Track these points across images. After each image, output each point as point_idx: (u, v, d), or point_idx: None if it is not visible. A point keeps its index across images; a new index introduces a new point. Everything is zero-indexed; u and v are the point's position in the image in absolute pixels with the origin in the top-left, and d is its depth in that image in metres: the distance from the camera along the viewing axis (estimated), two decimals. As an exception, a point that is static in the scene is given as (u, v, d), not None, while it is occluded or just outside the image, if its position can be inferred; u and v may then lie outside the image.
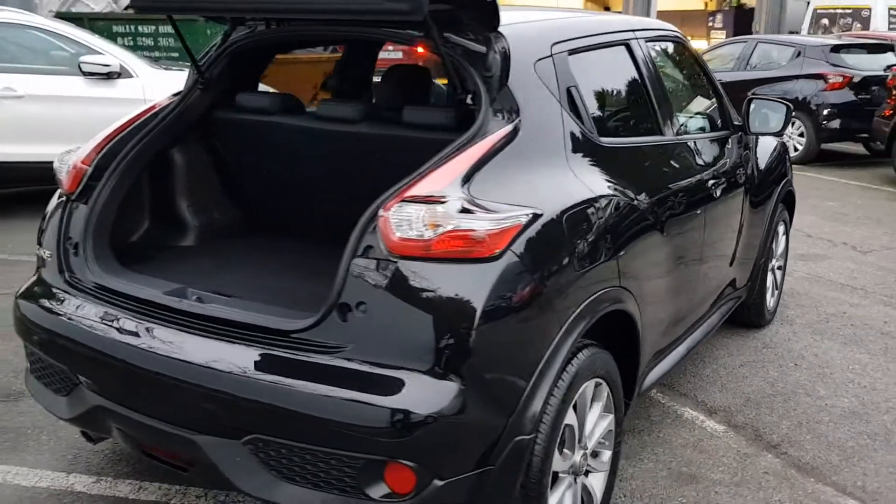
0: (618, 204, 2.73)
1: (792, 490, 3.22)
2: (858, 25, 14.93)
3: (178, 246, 3.22)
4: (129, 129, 2.99)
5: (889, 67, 10.31)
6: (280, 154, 3.21)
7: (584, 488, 2.69)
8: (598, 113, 3.02)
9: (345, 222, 3.11)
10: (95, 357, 2.48)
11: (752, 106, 4.06)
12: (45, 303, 2.72)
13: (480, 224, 2.18)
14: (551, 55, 2.78)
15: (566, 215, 2.44)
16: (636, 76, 3.33)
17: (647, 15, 19.95)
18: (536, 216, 2.30)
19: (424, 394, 2.13)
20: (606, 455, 2.81)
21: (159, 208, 3.15)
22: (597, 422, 2.70)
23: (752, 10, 23.06)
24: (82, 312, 2.60)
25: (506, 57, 2.61)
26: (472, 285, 2.18)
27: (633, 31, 3.42)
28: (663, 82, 3.50)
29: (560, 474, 2.54)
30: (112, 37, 10.31)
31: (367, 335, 2.19)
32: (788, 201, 4.90)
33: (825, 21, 16.14)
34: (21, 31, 7.25)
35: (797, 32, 18.07)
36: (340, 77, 4.08)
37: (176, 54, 11.46)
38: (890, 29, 13.13)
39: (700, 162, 3.62)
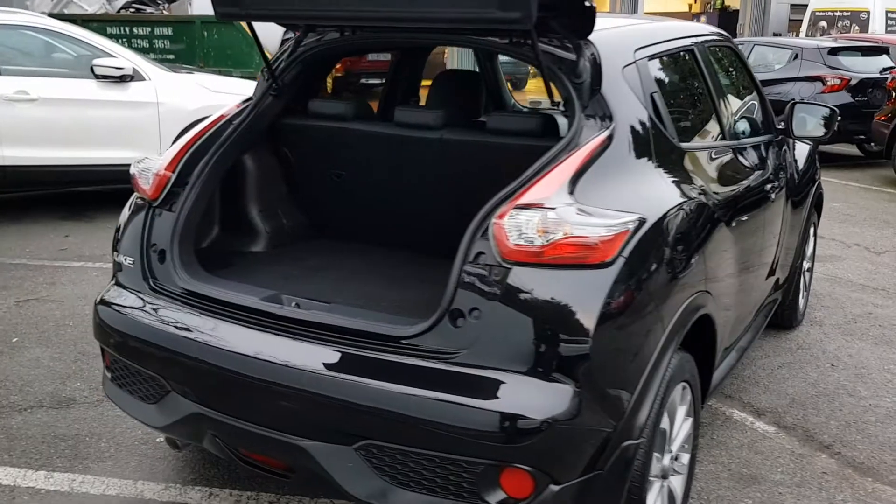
0: (701, 207, 2.77)
1: (853, 490, 3.28)
2: (857, 28, 15.17)
3: (252, 252, 3.22)
4: (205, 136, 2.99)
5: (885, 70, 10.49)
6: (353, 160, 3.22)
7: (669, 491, 2.73)
8: (676, 117, 3.07)
9: (423, 227, 3.16)
10: (194, 364, 2.48)
11: (796, 109, 4.12)
12: (131, 309, 2.71)
13: (593, 230, 2.21)
14: (635, 61, 2.83)
15: (666, 220, 2.48)
16: (701, 81, 3.39)
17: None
18: (642, 221, 2.34)
19: (541, 398, 2.15)
20: (686, 458, 2.86)
21: (231, 214, 3.16)
22: (681, 425, 2.75)
23: (736, 11, 23.33)
24: (174, 319, 2.59)
25: (595, 63, 2.64)
26: (587, 291, 2.21)
27: (696, 35, 3.48)
28: (722, 86, 3.56)
29: (651, 478, 2.57)
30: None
31: (481, 341, 2.21)
32: (818, 203, 4.99)
33: (823, 23, 16.36)
34: (32, 34, 7.18)
35: (780, 34, 18.29)
36: (392, 83, 4.09)
37: (172, 56, 11.40)
38: (888, 31, 13.32)
39: (757, 165, 3.69)
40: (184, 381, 2.56)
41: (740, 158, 3.53)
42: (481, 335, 2.22)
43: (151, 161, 2.94)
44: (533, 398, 2.15)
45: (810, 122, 4.13)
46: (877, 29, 14.90)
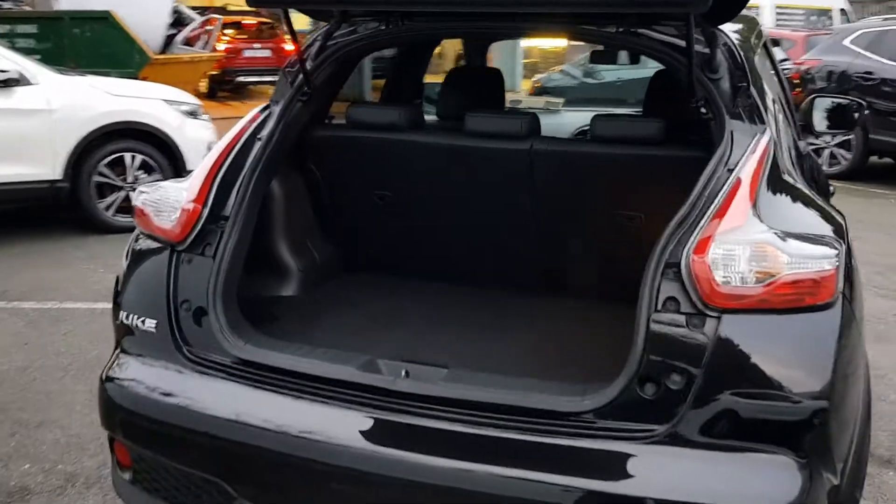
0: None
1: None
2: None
3: (285, 297, 2.59)
4: (230, 157, 2.34)
5: (781, 62, 10.70)
6: (404, 178, 2.65)
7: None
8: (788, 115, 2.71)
9: (501, 257, 2.64)
10: (281, 463, 1.87)
11: (816, 103, 3.85)
12: (164, 389, 2.06)
13: (817, 264, 1.78)
14: (756, 52, 2.44)
15: (849, 243, 2.09)
16: (776, 75, 3.05)
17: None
18: (842, 247, 1.93)
19: (782, 482, 1.70)
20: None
21: (257, 251, 2.52)
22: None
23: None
24: (239, 401, 1.97)
25: (733, 55, 2.23)
26: (817, 339, 1.78)
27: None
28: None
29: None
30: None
31: (688, 413, 1.74)
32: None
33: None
34: None
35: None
36: (394, 81, 3.50)
37: (38, 57, 10.12)
38: (777, 26, 13.73)
39: (812, 163, 3.40)
40: (264, 489, 1.93)
41: (810, 155, 3.23)
42: (687, 406, 1.74)
43: (167, 190, 2.27)
44: (772, 484, 1.70)
45: (831, 117, 3.87)
46: (766, 24, 15.36)
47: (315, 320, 2.43)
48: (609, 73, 10.79)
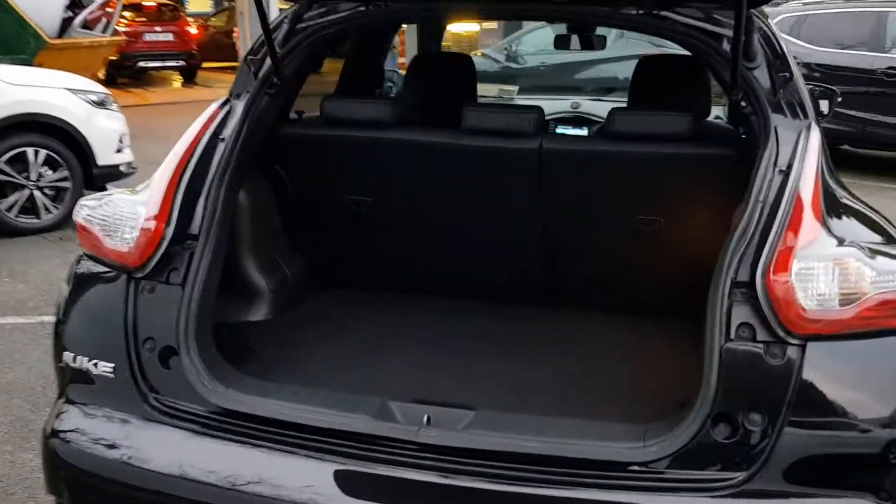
0: None
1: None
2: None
3: (256, 322, 2.24)
4: (193, 164, 1.97)
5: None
6: (388, 182, 2.33)
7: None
8: None
9: (501, 268, 2.35)
10: None
11: None
12: (128, 447, 1.70)
13: None
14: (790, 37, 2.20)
15: None
16: None
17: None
18: None
19: None
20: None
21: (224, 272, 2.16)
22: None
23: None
24: (222, 461, 1.63)
25: (771, 41, 2.00)
26: None
27: None
28: None
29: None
30: None
31: (774, 457, 1.50)
32: None
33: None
34: None
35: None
36: (352, 67, 3.14)
37: None
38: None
39: None
40: None
41: None
42: (768, 449, 1.51)
43: (118, 204, 1.89)
44: None
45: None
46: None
47: (299, 350, 2.09)
48: (532, 58, 10.58)
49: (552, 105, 4.44)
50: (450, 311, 2.32)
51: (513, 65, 11.69)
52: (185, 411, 1.70)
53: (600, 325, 2.23)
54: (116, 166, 5.88)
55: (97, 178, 5.73)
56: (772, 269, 1.54)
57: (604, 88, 4.96)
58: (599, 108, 4.39)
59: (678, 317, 2.29)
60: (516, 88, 4.97)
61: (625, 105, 4.01)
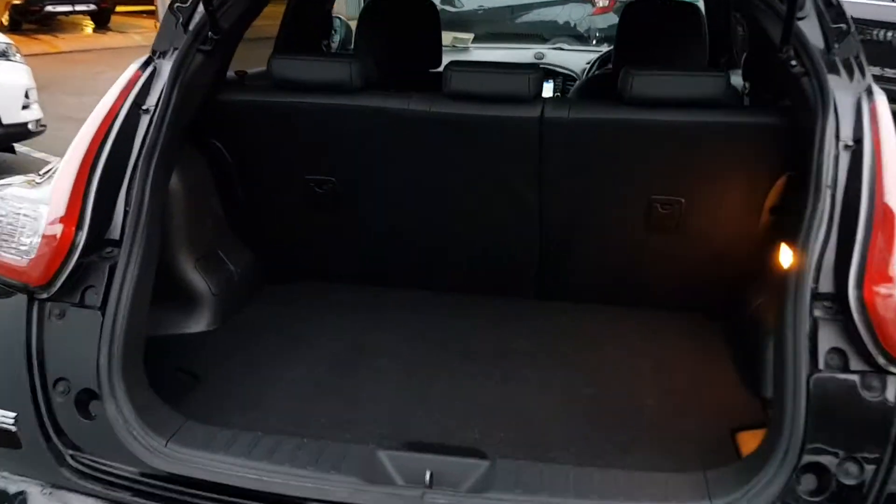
0: None
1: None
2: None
3: (197, 334, 1.83)
4: (108, 141, 1.53)
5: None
6: (355, 158, 1.92)
7: None
8: None
9: (489, 256, 1.98)
10: None
11: None
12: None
13: None
14: None
15: None
16: None
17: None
18: None
19: None
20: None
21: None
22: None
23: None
24: None
25: None
26: None
27: None
28: None
29: None
30: None
31: None
32: None
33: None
34: None
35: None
36: (295, 19, 2.68)
37: None
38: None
39: None
40: None
41: None
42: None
43: (10, 200, 1.45)
44: None
45: None
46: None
47: (253, 374, 1.70)
48: (469, 1, 10.08)
49: (511, 56, 4.04)
50: (432, 314, 1.95)
51: (448, 8, 11.16)
52: (115, 475, 1.31)
53: (610, 329, 1.90)
54: (24, 125, 5.26)
55: (2, 138, 5.15)
56: (869, 278, 1.22)
57: (568, 36, 4.55)
58: (567, 59, 4.01)
59: (699, 314, 1.97)
60: (471, 37, 4.55)
61: (597, 56, 3.68)
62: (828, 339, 1.23)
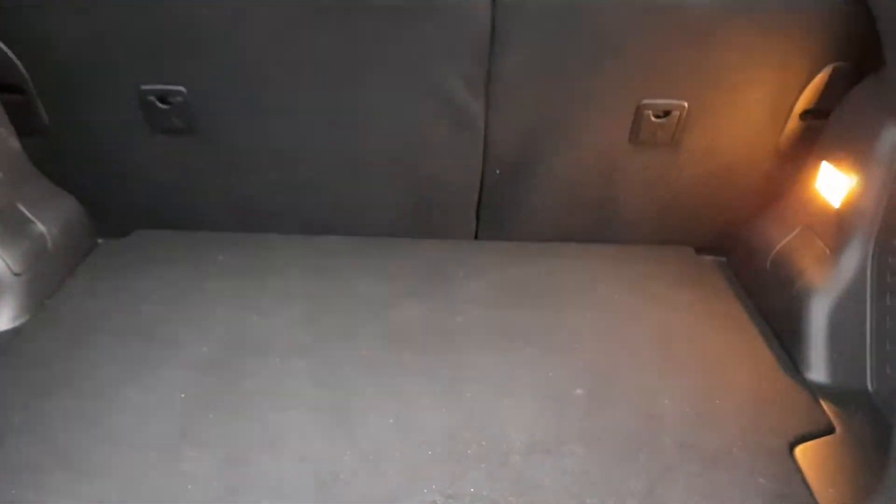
0: None
1: None
2: None
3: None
4: None
5: None
6: (221, 55, 1.35)
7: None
8: None
9: (435, 195, 1.46)
10: None
11: None
12: None
13: None
14: None
15: None
16: None
17: None
18: None
19: None
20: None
21: None
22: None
23: None
24: None
25: None
26: None
27: None
28: None
29: None
30: None
31: None
32: None
33: None
34: None
35: None
36: None
37: None
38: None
39: None
40: None
41: None
42: None
43: None
44: None
45: None
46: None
47: (84, 404, 1.15)
48: None
49: None
50: (339, 278, 1.42)
51: None
52: None
53: (591, 285, 1.43)
54: None
55: None
56: None
57: None
58: None
59: (689, 249, 1.54)
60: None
61: None
62: None
